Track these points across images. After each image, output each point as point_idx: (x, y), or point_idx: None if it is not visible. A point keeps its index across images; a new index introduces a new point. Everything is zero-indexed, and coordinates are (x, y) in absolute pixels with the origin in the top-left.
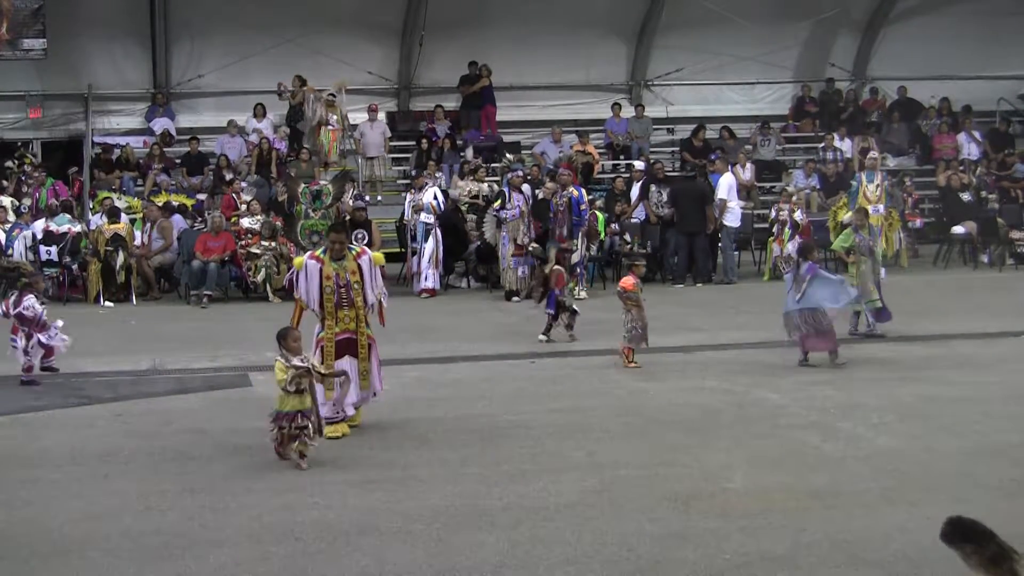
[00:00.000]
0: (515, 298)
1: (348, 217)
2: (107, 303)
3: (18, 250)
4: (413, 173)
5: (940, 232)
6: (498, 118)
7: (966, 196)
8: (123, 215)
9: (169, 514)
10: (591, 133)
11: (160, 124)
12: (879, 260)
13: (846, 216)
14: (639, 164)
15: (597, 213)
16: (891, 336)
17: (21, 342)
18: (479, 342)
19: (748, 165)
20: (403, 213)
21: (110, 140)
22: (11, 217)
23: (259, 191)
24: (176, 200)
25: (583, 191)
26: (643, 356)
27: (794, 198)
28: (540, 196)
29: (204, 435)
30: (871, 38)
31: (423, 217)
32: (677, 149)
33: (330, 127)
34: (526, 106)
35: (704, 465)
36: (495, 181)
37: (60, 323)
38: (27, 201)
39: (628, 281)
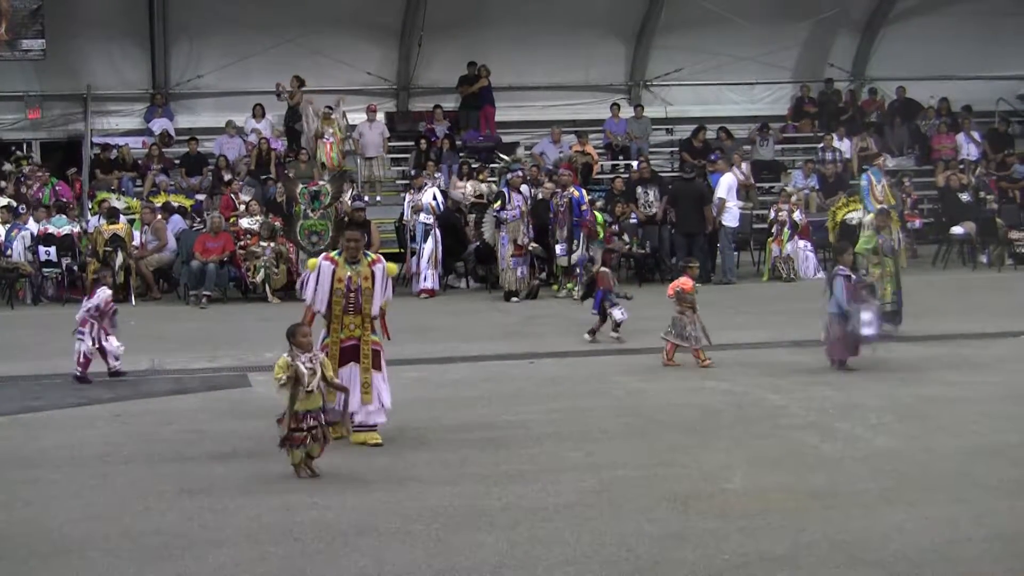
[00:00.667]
0: (514, 298)
1: (347, 217)
2: None
3: (17, 250)
4: (412, 173)
5: (939, 232)
6: (497, 118)
7: (965, 196)
8: (122, 216)
9: (168, 514)
10: (590, 133)
11: (159, 125)
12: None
13: (867, 218)
14: (636, 165)
15: (596, 213)
16: (891, 337)
17: (88, 339)
18: (478, 342)
19: (744, 165)
20: (402, 213)
21: (109, 141)
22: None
23: (253, 192)
24: (175, 201)
25: (583, 191)
26: (643, 356)
27: (793, 198)
28: (540, 196)
29: (203, 435)
30: (870, 38)
31: (422, 217)
32: (676, 149)
33: (325, 139)
34: (525, 106)
35: (703, 465)
36: (493, 181)
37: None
38: (27, 197)
39: (687, 283)
